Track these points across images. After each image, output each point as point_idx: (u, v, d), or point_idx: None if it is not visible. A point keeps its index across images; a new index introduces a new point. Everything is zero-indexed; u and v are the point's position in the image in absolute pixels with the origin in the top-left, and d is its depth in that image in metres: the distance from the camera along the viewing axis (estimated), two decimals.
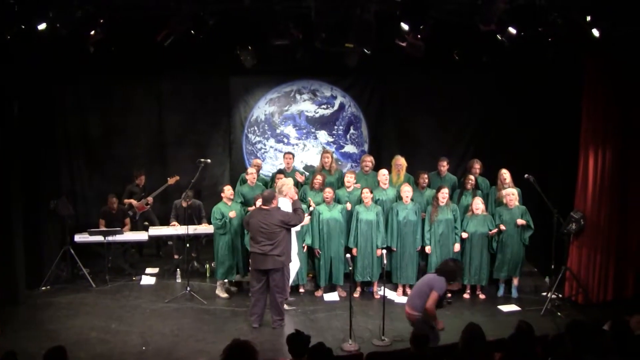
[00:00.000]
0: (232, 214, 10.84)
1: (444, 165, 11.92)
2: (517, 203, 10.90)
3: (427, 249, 10.97)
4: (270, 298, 9.76)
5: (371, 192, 10.92)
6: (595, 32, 8.89)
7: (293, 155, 12.45)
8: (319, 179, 11.39)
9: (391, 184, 11.44)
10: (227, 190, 11.01)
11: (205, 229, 11.61)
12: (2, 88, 10.06)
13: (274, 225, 9.49)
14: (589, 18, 8.79)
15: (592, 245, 10.58)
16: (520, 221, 10.74)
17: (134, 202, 12.69)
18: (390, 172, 11.57)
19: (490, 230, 10.79)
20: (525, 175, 10.75)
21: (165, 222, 12.58)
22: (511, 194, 10.84)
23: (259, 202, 10.07)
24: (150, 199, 12.82)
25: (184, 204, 11.81)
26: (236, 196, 11.43)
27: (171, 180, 12.77)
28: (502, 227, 10.78)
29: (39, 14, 8.45)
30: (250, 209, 11.00)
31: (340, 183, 11.79)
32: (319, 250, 10.94)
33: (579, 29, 8.99)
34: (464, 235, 10.89)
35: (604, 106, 10.28)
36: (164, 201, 13.21)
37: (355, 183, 11.37)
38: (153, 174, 13.20)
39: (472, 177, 11.42)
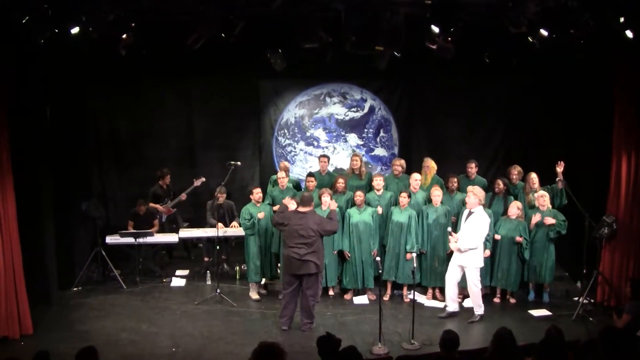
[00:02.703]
0: (260, 215, 10.87)
1: (472, 168, 11.77)
2: (549, 206, 10.77)
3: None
4: (302, 301, 9.75)
5: (409, 197, 10.86)
6: (629, 34, 8.79)
7: (328, 158, 12.41)
8: (341, 182, 11.37)
9: (422, 187, 11.39)
10: (256, 194, 11.03)
11: (234, 231, 11.62)
12: (35, 91, 10.17)
13: (310, 228, 9.48)
14: (622, 19, 8.70)
15: (624, 249, 10.44)
16: (549, 220, 10.56)
17: (159, 207, 12.70)
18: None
19: (520, 236, 10.65)
20: (557, 179, 10.67)
21: (194, 224, 12.69)
22: (542, 197, 10.70)
23: (292, 205, 10.03)
24: (183, 195, 12.76)
25: (220, 198, 11.81)
26: (266, 198, 11.48)
27: (197, 182, 12.76)
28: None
29: (72, 18, 8.55)
30: (274, 208, 11.06)
31: (370, 187, 11.79)
32: (348, 253, 10.92)
33: (611, 30, 8.89)
34: (497, 237, 10.78)
35: (636, 109, 10.13)
36: (192, 203, 13.25)
37: (385, 186, 11.35)
38: (183, 177, 13.23)
39: (500, 181, 11.28)
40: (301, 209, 9.69)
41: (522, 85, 13.22)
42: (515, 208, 10.69)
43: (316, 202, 10.78)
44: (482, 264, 10.12)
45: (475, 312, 10.14)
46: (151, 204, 12.63)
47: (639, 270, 10.24)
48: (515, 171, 11.51)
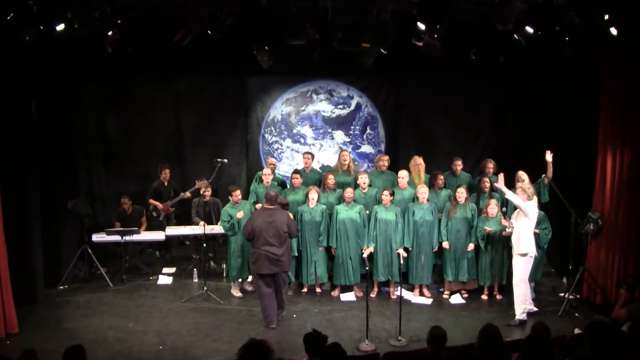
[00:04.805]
0: (239, 214, 10.81)
1: (458, 165, 11.83)
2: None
3: (445, 244, 10.92)
4: (279, 297, 9.83)
5: (391, 194, 10.87)
6: (613, 31, 8.84)
7: (312, 155, 12.40)
8: (331, 179, 11.36)
9: (412, 185, 11.38)
10: (236, 196, 10.99)
11: (221, 229, 11.61)
12: (20, 88, 10.12)
13: (284, 222, 9.55)
14: (607, 17, 8.74)
15: (610, 245, 10.51)
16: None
17: (158, 204, 12.68)
18: (409, 173, 11.52)
19: (503, 230, 10.59)
20: (543, 175, 10.71)
21: (181, 222, 12.65)
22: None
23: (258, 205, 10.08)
24: (187, 194, 12.67)
25: (206, 194, 11.88)
26: (251, 195, 11.48)
27: (199, 183, 12.64)
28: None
29: (58, 15, 8.50)
30: (257, 206, 11.04)
31: (356, 184, 11.82)
32: (334, 248, 10.94)
33: (596, 27, 8.94)
34: (487, 229, 10.61)
35: (622, 105, 10.19)
36: (182, 201, 13.21)
37: (370, 183, 11.35)
38: (171, 174, 13.19)
39: (487, 179, 11.30)
40: (268, 206, 9.69)
41: (510, 83, 13.24)
42: (494, 206, 10.68)
43: (303, 199, 10.90)
44: (528, 252, 9.75)
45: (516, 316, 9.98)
46: (151, 200, 12.61)
47: (624, 266, 10.31)
48: (491, 165, 11.56)
